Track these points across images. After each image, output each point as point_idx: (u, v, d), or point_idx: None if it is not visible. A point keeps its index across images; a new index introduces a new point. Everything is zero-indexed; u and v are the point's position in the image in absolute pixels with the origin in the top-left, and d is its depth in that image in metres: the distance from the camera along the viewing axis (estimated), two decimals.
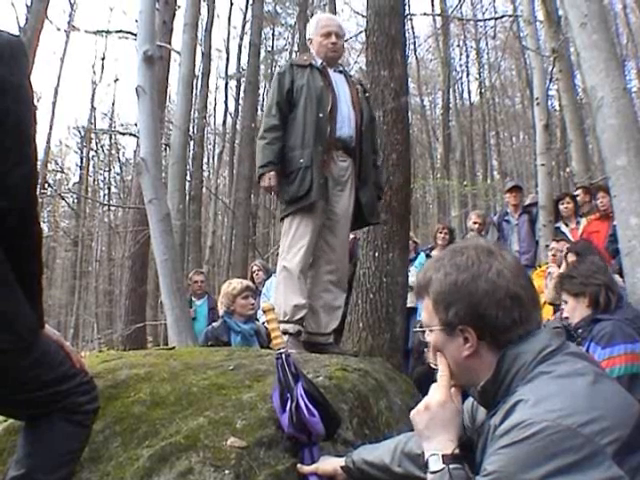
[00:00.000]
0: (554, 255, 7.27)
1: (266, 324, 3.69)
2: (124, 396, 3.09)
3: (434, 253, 9.27)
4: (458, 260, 2.02)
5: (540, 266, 8.32)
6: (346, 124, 5.10)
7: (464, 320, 1.96)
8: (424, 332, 2.17)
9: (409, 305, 7.75)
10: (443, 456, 1.95)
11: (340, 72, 5.37)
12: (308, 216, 4.92)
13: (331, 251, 5.13)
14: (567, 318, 4.47)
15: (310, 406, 2.79)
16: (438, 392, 2.07)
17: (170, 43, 15.47)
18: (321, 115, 4.97)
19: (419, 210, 36.94)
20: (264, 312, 3.27)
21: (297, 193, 4.88)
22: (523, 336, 1.92)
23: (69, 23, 29.29)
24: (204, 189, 25.07)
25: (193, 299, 9.95)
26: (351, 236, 7.61)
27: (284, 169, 4.97)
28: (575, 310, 4.37)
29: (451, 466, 1.91)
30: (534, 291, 2.03)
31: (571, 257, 5.68)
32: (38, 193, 2.28)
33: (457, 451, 1.96)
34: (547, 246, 8.23)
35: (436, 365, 4.60)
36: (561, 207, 9.28)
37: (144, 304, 17.59)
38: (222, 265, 28.12)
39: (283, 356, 3.01)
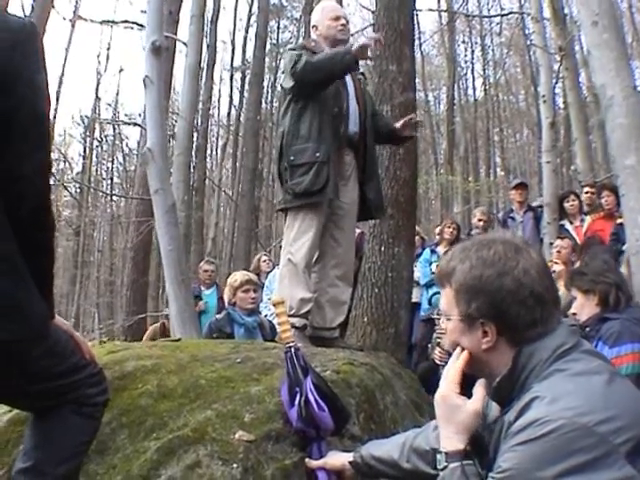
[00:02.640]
0: (559, 252, 7.28)
1: (275, 317, 3.67)
2: (131, 388, 3.08)
3: (439, 249, 9.28)
4: (485, 254, 1.99)
5: None
6: (352, 120, 5.07)
7: (485, 315, 1.95)
8: (440, 319, 2.17)
9: (414, 300, 7.78)
10: (446, 454, 1.94)
11: None
12: (314, 210, 4.87)
13: (337, 245, 5.11)
14: (575, 314, 4.47)
15: (319, 400, 2.78)
16: (442, 387, 2.07)
17: (176, 34, 15.46)
18: (336, 110, 4.93)
19: (422, 206, 36.90)
20: (274, 305, 3.26)
21: (311, 187, 4.76)
22: (542, 333, 1.91)
23: (75, 12, 29.21)
24: (207, 181, 25.07)
25: (202, 288, 9.96)
26: (358, 230, 7.60)
27: (295, 159, 4.87)
28: (584, 307, 4.36)
29: (456, 464, 1.90)
30: (556, 290, 2.02)
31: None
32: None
33: (468, 447, 1.95)
34: (551, 244, 8.23)
35: (440, 359, 4.59)
36: (566, 205, 9.29)
37: (145, 295, 17.62)
38: (224, 257, 28.15)
39: (292, 350, 3.00)
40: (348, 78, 5.17)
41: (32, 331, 2.10)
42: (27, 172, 2.02)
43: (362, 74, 5.50)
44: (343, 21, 5.21)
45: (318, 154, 4.78)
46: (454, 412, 2.00)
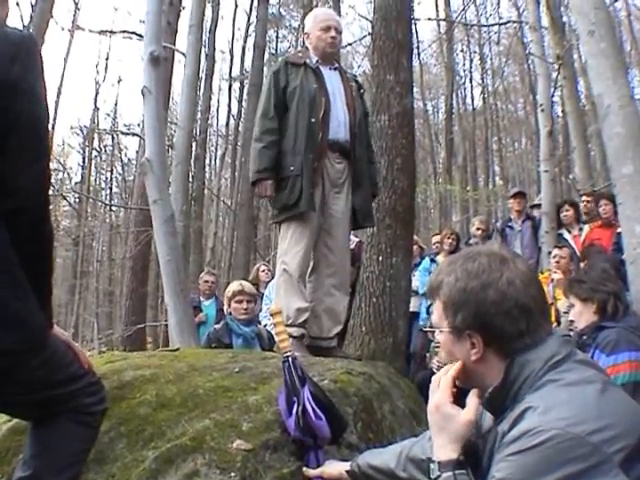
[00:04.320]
0: (557, 262, 7.27)
1: (273, 327, 3.68)
2: (130, 397, 3.10)
3: (439, 258, 9.30)
4: (469, 266, 2.01)
5: (543, 272, 8.32)
6: (342, 128, 5.07)
7: (471, 326, 1.97)
8: (434, 332, 2.18)
9: (412, 309, 7.77)
10: (439, 463, 1.95)
11: (335, 69, 5.31)
12: (304, 221, 4.93)
13: (331, 254, 5.12)
14: (573, 322, 4.48)
15: (317, 409, 2.79)
16: (435, 395, 2.08)
17: (175, 44, 15.48)
18: (313, 120, 4.94)
19: (420, 215, 36.89)
20: (271, 315, 3.28)
21: (287, 202, 4.88)
22: (531, 345, 1.92)
23: (73, 23, 29.25)
24: (206, 191, 25.08)
25: (201, 299, 9.91)
26: (356, 239, 7.60)
27: (277, 174, 4.97)
28: (582, 315, 4.37)
29: (453, 472, 1.90)
30: (544, 301, 2.02)
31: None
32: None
33: (461, 457, 1.95)
34: (550, 253, 8.23)
35: (438, 368, 4.59)
36: (561, 215, 9.29)
37: (145, 305, 17.60)
38: (223, 267, 28.14)
39: (290, 359, 3.02)
40: (337, 83, 5.20)
41: (31, 341, 2.11)
42: (25, 183, 2.04)
43: (356, 80, 5.49)
44: (333, 33, 5.19)
45: (292, 167, 4.88)
46: (448, 421, 2.00)
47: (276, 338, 3.32)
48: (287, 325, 4.62)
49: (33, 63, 2.13)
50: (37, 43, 2.26)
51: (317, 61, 5.18)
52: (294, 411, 2.81)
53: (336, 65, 5.36)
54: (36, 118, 2.10)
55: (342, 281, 5.17)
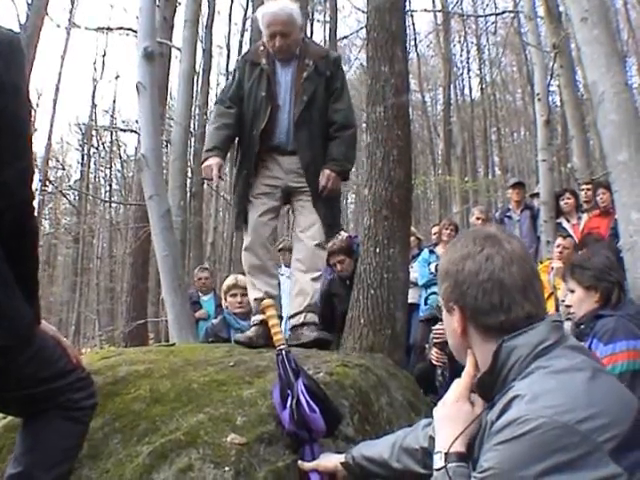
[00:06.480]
0: (560, 252, 7.25)
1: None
2: (124, 393, 3.11)
3: (438, 249, 9.29)
4: (458, 243, 2.09)
5: (542, 262, 8.31)
6: (286, 136, 4.98)
7: (452, 297, 2.03)
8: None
9: (412, 301, 7.77)
10: (445, 454, 1.93)
11: (297, 58, 5.01)
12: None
13: (296, 236, 5.17)
14: (569, 307, 4.41)
15: (311, 402, 2.79)
16: (455, 389, 2.09)
17: (171, 39, 15.44)
18: (254, 132, 4.89)
19: (421, 206, 36.96)
20: (263, 309, 3.28)
21: None
22: (504, 322, 1.92)
23: (70, 20, 29.25)
24: (205, 185, 25.10)
25: (200, 295, 9.89)
26: (345, 234, 7.59)
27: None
28: (582, 302, 4.27)
29: (453, 464, 1.89)
30: (529, 281, 1.97)
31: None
32: (38, 190, 2.29)
33: (461, 449, 1.94)
34: (548, 242, 8.22)
35: (437, 360, 4.59)
36: (561, 203, 9.29)
37: (145, 301, 17.56)
38: (224, 262, 28.16)
39: (283, 352, 3.02)
40: (289, 84, 5.00)
41: (18, 337, 2.11)
42: (8, 180, 2.04)
43: (317, 62, 5.04)
44: (277, 42, 4.85)
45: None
46: (466, 415, 2.01)
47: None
48: (254, 314, 4.81)
49: (17, 62, 2.14)
50: (21, 42, 2.26)
51: (274, 58, 4.98)
52: (288, 404, 2.81)
53: (297, 53, 5.04)
54: (19, 115, 2.10)
55: (304, 258, 5.12)
